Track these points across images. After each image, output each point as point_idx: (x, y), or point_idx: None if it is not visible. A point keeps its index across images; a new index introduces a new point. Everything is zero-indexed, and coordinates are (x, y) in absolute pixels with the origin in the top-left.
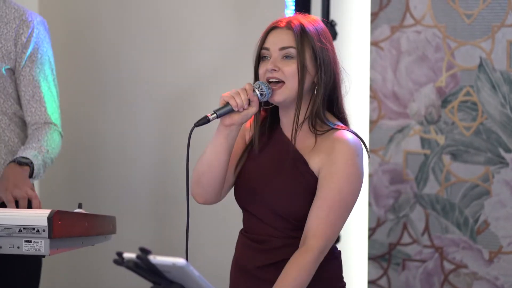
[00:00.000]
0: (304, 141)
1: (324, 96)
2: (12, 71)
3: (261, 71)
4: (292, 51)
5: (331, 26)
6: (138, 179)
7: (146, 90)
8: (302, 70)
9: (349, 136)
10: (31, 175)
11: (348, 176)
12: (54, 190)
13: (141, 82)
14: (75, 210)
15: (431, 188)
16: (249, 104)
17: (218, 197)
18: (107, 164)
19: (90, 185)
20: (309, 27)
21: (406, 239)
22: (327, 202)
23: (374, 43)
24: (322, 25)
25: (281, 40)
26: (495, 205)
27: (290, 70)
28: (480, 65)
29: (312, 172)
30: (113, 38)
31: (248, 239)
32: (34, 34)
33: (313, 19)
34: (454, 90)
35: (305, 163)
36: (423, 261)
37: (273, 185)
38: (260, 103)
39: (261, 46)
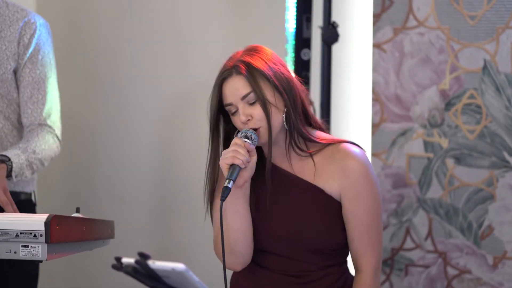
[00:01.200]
0: (302, 167)
1: (298, 115)
2: (15, 73)
3: (238, 126)
4: (252, 95)
5: (333, 28)
6: (136, 183)
7: (145, 93)
8: (265, 107)
9: (355, 150)
10: (9, 174)
11: (372, 194)
12: (51, 194)
13: (140, 85)
14: (73, 215)
15: (435, 192)
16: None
17: (251, 256)
18: (105, 168)
19: (88, 189)
20: (254, 61)
21: (409, 244)
22: (364, 228)
23: (376, 45)
24: (264, 50)
25: (237, 89)
26: (499, 210)
27: (259, 114)
28: (484, 68)
29: (332, 197)
30: (111, 41)
31: (277, 274)
32: (36, 35)
33: (253, 48)
34: (458, 93)
35: (322, 192)
36: (426, 266)
37: (307, 225)
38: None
39: (221, 103)
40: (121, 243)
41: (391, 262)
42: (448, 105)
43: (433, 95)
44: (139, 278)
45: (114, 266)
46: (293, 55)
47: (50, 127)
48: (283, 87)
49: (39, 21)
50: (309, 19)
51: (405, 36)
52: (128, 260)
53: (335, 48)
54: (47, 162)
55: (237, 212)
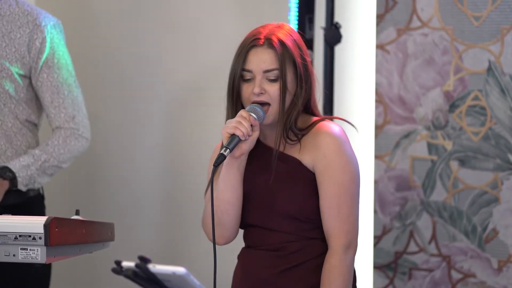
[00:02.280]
0: (290, 148)
1: (300, 108)
2: (25, 77)
3: (245, 93)
4: (276, 73)
5: (335, 29)
6: (137, 184)
7: (149, 93)
8: (283, 91)
9: (329, 125)
10: (14, 186)
11: (343, 167)
12: (50, 197)
13: (143, 84)
14: (73, 217)
15: (438, 195)
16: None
17: (237, 233)
18: (104, 169)
19: (87, 191)
20: (288, 42)
21: (412, 247)
22: (333, 200)
23: (379, 46)
24: (297, 35)
25: (264, 61)
26: (504, 213)
27: (275, 92)
28: (489, 69)
29: (307, 168)
30: (114, 37)
31: (261, 250)
32: (48, 39)
33: (289, 30)
34: (462, 94)
35: (299, 162)
36: (430, 270)
37: (281, 193)
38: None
39: (242, 67)
40: (121, 246)
41: (395, 266)
42: (452, 106)
43: (437, 97)
44: (140, 282)
45: (114, 270)
46: None
47: (74, 129)
48: (304, 80)
49: (50, 22)
50: (311, 20)
51: (408, 37)
52: (128, 263)
53: (338, 49)
54: (67, 164)
55: (230, 182)
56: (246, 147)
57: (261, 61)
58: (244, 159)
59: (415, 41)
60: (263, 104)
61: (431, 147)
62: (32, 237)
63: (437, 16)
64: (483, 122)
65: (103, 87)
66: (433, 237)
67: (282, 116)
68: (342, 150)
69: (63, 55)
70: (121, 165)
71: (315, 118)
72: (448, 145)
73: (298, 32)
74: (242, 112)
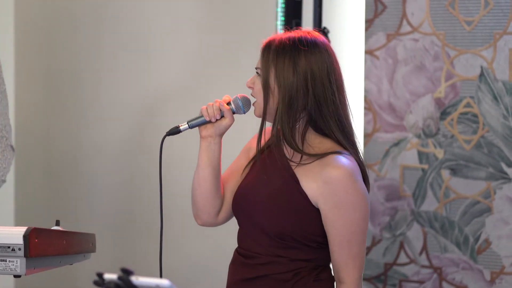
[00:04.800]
0: (297, 157)
1: (286, 114)
2: None
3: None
4: (258, 70)
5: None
6: (119, 195)
7: (122, 102)
8: (265, 87)
9: (341, 158)
10: None
11: (354, 205)
12: (30, 207)
13: (118, 92)
14: (53, 228)
15: (429, 205)
16: (222, 116)
17: (215, 218)
18: (85, 179)
19: (68, 201)
20: (278, 42)
21: (402, 259)
22: (344, 238)
23: (368, 52)
24: (308, 37)
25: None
26: (497, 223)
27: (257, 87)
28: (481, 75)
29: (305, 193)
30: (87, 46)
31: (239, 254)
32: None
33: (300, 32)
34: (454, 101)
35: (297, 182)
36: (421, 282)
37: (259, 198)
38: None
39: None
40: (103, 258)
41: (384, 278)
42: (444, 114)
43: (427, 104)
44: None
45: (95, 282)
46: None
47: (5, 138)
48: (282, 79)
49: None
50: (298, 25)
51: (398, 42)
52: (110, 276)
53: None
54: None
55: (198, 161)
56: (211, 130)
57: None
58: (212, 142)
59: (405, 47)
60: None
61: (421, 156)
62: (11, 248)
63: (428, 21)
64: (475, 130)
65: (81, 102)
66: (424, 248)
67: (264, 114)
68: (355, 188)
69: None
70: (102, 175)
71: (328, 145)
72: (439, 154)
73: (317, 29)
74: (224, 97)
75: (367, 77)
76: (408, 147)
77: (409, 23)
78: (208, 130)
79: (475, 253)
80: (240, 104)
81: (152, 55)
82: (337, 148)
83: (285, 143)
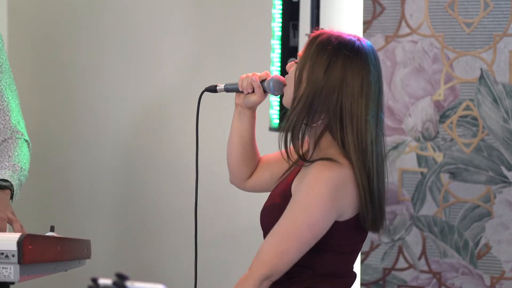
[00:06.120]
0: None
1: (304, 111)
2: None
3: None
4: (298, 57)
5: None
6: (114, 200)
7: (119, 109)
8: (298, 77)
9: (329, 163)
10: (11, 198)
11: (307, 207)
12: (24, 212)
13: (114, 96)
14: (47, 234)
15: (429, 209)
16: (253, 91)
17: (241, 183)
18: (80, 185)
19: (62, 206)
20: (324, 38)
21: (401, 263)
22: (281, 230)
23: None
24: (356, 43)
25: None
26: (497, 227)
27: (290, 74)
28: (481, 77)
29: (291, 193)
30: (79, 51)
31: None
32: None
33: (352, 37)
34: (453, 104)
35: (291, 183)
36: (420, 287)
37: (269, 201)
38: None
39: None
40: (98, 264)
41: (383, 283)
42: (443, 117)
43: (427, 107)
44: None
45: None
46: (279, 64)
47: (22, 133)
48: (311, 76)
49: None
50: (296, 27)
51: (397, 44)
52: (105, 281)
53: None
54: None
55: (232, 125)
56: (241, 101)
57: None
58: (242, 112)
59: (404, 49)
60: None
61: (420, 159)
62: (4, 255)
63: (427, 23)
64: (475, 133)
65: (75, 108)
66: (423, 253)
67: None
68: (316, 191)
69: (6, 61)
70: (97, 180)
71: (331, 150)
72: (439, 157)
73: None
74: (263, 73)
75: None
76: (407, 150)
77: (407, 25)
78: (240, 99)
79: (475, 258)
80: (271, 85)
81: (147, 57)
82: (338, 156)
83: (291, 142)
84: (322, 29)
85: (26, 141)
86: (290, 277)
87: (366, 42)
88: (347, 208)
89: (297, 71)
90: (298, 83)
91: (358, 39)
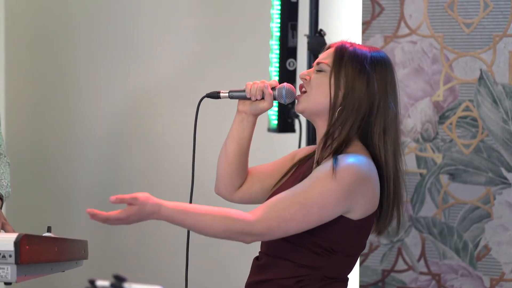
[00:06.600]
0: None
1: (350, 118)
2: None
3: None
4: (324, 66)
5: (320, 36)
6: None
7: (117, 110)
8: (335, 82)
9: (365, 159)
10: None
11: (323, 189)
12: (21, 213)
13: (112, 100)
14: (44, 234)
15: (428, 210)
16: (263, 98)
17: (230, 194)
18: (77, 185)
19: (59, 207)
20: (352, 50)
21: (400, 265)
22: (293, 199)
23: None
24: (382, 63)
25: (321, 57)
26: (496, 229)
27: (316, 80)
28: (481, 78)
29: None
30: (83, 47)
31: (256, 257)
32: None
33: (369, 48)
34: (453, 105)
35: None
36: None
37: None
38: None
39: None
40: (95, 265)
41: (382, 285)
42: (442, 118)
43: (426, 108)
44: None
45: None
46: (277, 65)
47: (2, 153)
48: (350, 87)
49: None
50: (294, 27)
51: (396, 44)
52: (102, 283)
53: None
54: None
55: (229, 132)
56: (248, 107)
57: (320, 57)
58: (245, 119)
59: (403, 49)
60: (304, 92)
61: (420, 160)
62: (1, 255)
63: (426, 23)
64: (475, 134)
65: (69, 108)
66: (422, 254)
67: (330, 112)
68: (343, 172)
69: None
70: (94, 181)
71: (352, 148)
72: (438, 158)
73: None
74: (271, 81)
75: None
76: (406, 151)
77: (407, 25)
78: (245, 106)
79: (474, 259)
80: (284, 93)
81: (145, 57)
82: (360, 151)
83: (333, 143)
84: (342, 40)
85: (8, 162)
86: (298, 280)
87: (382, 53)
88: (359, 206)
89: (335, 80)
90: (336, 91)
91: (375, 49)
